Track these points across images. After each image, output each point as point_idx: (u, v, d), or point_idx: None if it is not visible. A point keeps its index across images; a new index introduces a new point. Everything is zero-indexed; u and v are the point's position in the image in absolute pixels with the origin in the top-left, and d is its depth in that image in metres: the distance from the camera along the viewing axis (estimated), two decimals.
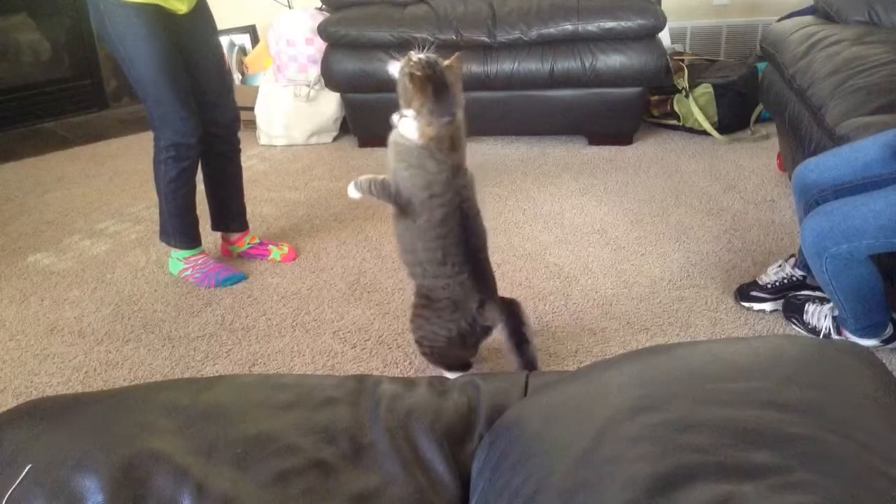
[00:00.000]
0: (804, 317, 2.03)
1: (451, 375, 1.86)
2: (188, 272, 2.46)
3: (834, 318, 1.97)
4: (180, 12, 2.18)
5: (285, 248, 2.59)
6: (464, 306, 1.77)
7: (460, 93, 1.72)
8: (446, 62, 1.68)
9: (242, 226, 2.60)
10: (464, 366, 1.92)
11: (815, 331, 2.00)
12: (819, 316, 2.00)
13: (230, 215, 2.57)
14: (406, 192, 1.73)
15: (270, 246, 2.60)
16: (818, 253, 1.75)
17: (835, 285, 1.80)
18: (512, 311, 1.80)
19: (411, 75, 1.63)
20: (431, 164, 1.68)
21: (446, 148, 1.68)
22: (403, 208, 1.76)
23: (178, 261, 2.47)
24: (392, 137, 1.74)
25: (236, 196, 2.57)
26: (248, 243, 2.60)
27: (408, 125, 1.69)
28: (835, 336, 1.96)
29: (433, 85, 1.64)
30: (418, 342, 1.87)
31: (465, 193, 1.73)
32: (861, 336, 1.91)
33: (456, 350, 1.85)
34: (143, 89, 2.19)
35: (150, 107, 2.22)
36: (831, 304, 1.97)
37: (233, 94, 2.46)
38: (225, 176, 2.51)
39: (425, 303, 1.81)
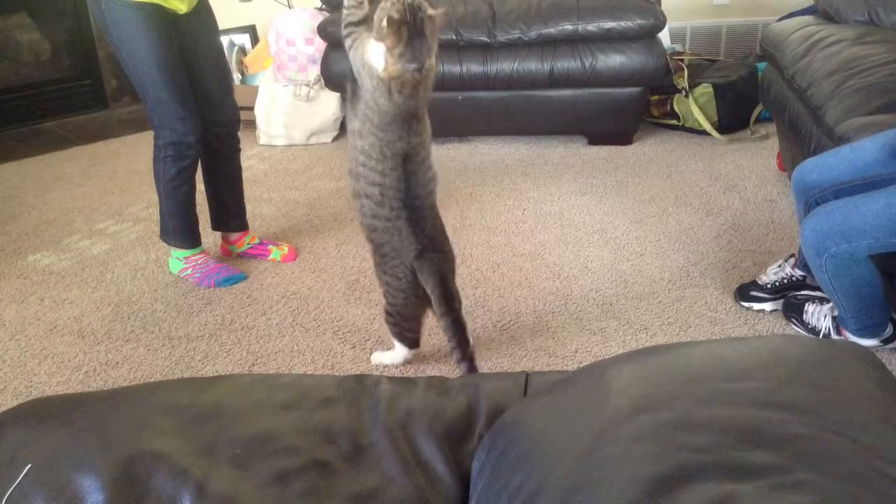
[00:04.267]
0: (804, 317, 2.03)
1: (397, 354, 1.95)
2: (188, 272, 2.46)
3: (834, 318, 1.97)
4: (181, 12, 2.18)
5: (285, 248, 2.59)
6: (404, 254, 1.78)
7: (435, 44, 1.68)
8: (430, 12, 1.64)
9: (242, 225, 2.60)
10: (413, 342, 1.95)
11: (814, 331, 2.00)
12: (819, 316, 2.00)
13: (230, 215, 2.57)
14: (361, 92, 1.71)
15: (270, 246, 2.60)
16: (818, 253, 1.75)
17: (835, 285, 1.80)
18: (446, 292, 1.81)
19: (389, 18, 1.59)
20: (383, 101, 1.66)
21: (406, 93, 1.65)
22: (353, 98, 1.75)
23: (178, 260, 2.47)
24: (360, 53, 1.69)
25: (236, 196, 2.57)
26: (248, 243, 2.60)
27: (377, 52, 1.64)
28: (835, 336, 1.96)
29: (409, 31, 1.60)
30: (385, 298, 1.90)
31: (415, 140, 1.71)
32: (861, 336, 1.91)
33: (412, 310, 1.87)
34: (143, 89, 2.20)
35: (149, 107, 2.23)
36: (831, 304, 1.97)
37: (233, 93, 2.46)
38: (224, 175, 2.51)
39: (375, 248, 1.83)
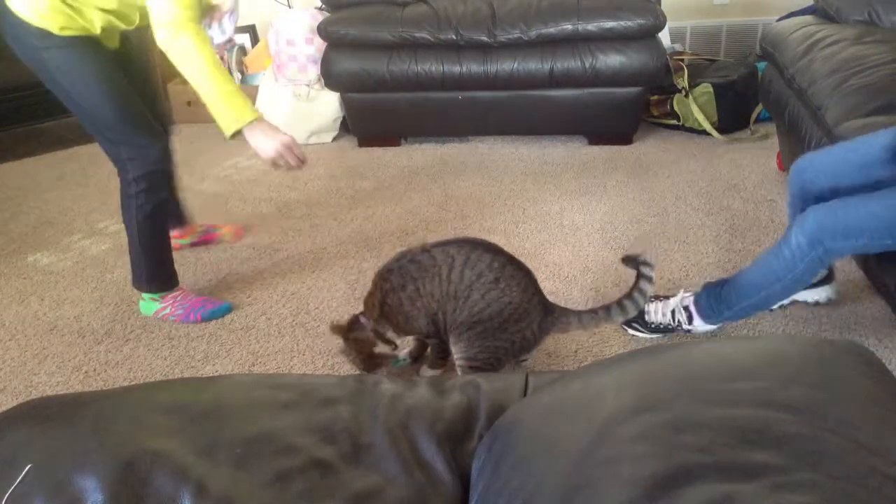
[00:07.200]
0: (646, 318, 2.04)
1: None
2: (167, 310, 2.24)
3: (685, 308, 1.99)
4: (111, 47, 2.05)
5: (230, 228, 2.69)
6: (533, 315, 1.82)
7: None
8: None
9: (183, 222, 2.59)
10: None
11: (659, 328, 2.03)
12: (664, 311, 2.02)
13: (176, 214, 2.53)
14: None
15: (215, 231, 2.67)
16: (812, 244, 1.76)
17: (794, 279, 1.81)
18: None
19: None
20: None
21: None
22: None
23: (153, 301, 2.24)
24: None
25: (175, 195, 2.51)
26: (194, 234, 2.65)
27: None
28: (686, 326, 2.00)
29: None
30: (477, 365, 1.80)
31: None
32: (707, 321, 1.97)
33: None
34: (101, 127, 2.02)
35: (111, 144, 2.04)
36: (678, 297, 2.01)
37: (165, 111, 2.33)
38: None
39: (486, 326, 1.80)
